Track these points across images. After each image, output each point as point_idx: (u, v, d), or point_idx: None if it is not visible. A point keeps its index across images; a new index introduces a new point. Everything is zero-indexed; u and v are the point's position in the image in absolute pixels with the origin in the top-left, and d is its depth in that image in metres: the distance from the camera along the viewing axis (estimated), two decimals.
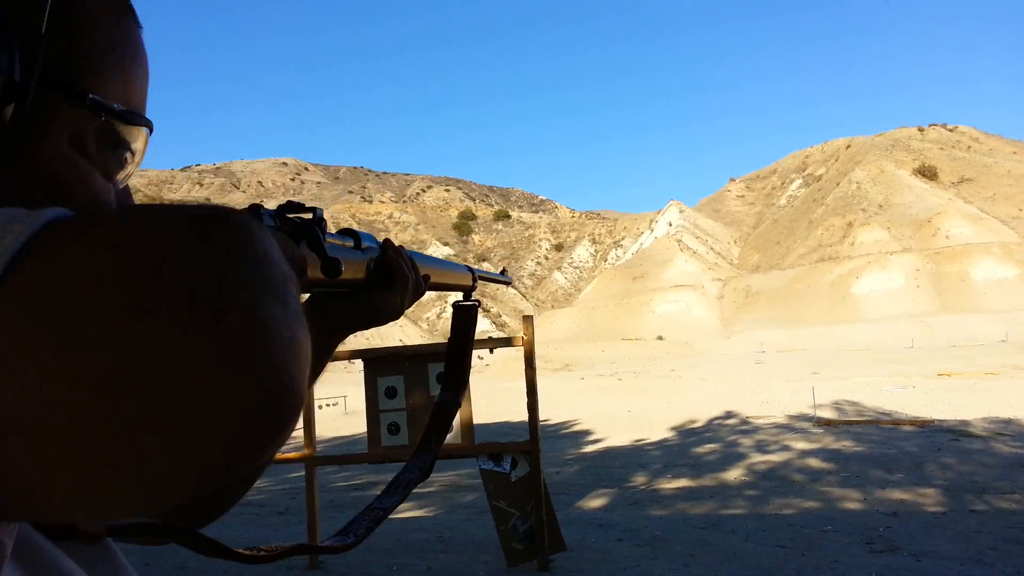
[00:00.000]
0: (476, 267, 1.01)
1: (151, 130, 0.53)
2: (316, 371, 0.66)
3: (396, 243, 0.76)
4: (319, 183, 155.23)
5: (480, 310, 0.94)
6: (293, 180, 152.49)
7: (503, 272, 1.17)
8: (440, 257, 0.87)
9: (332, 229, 0.65)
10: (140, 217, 0.32)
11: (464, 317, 0.92)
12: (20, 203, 0.37)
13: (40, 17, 0.44)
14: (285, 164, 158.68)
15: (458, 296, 0.96)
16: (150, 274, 0.29)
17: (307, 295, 0.68)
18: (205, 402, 0.29)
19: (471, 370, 0.92)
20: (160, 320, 0.29)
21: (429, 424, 0.82)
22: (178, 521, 0.61)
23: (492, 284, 1.00)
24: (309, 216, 0.57)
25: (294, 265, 0.51)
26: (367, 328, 0.73)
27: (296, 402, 0.33)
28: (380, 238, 0.76)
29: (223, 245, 0.32)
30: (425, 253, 0.85)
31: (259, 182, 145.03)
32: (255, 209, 0.50)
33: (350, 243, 0.69)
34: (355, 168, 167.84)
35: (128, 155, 0.52)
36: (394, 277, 0.73)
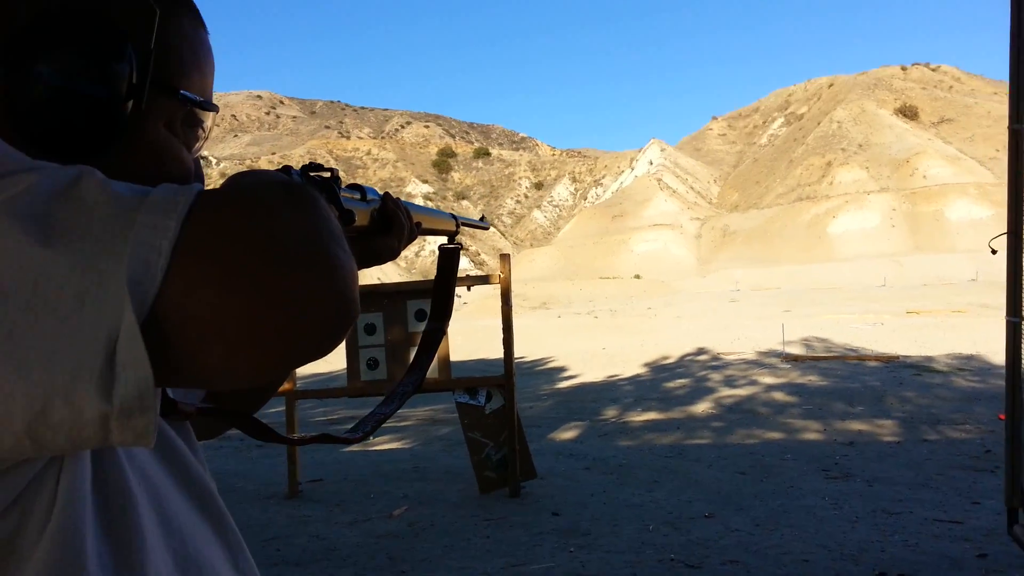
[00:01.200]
0: (456, 214, 1.16)
1: (216, 111, 0.70)
2: None
3: (380, 186, 0.90)
4: (295, 117, 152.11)
5: (461, 251, 1.10)
6: (268, 114, 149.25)
7: (482, 219, 1.32)
8: (421, 198, 1.00)
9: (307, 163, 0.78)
10: (253, 192, 0.50)
11: (448, 258, 1.07)
12: (137, 169, 0.57)
13: (150, 37, 0.60)
14: (260, 97, 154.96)
15: (443, 240, 1.11)
16: (265, 231, 0.47)
17: None
18: (309, 303, 0.47)
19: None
20: (277, 259, 0.46)
21: (419, 348, 0.98)
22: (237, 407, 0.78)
23: (445, 230, 1.14)
24: (328, 175, 0.74)
25: None
26: (369, 267, 0.88)
27: (355, 311, 0.51)
28: (358, 175, 0.90)
29: (306, 209, 0.50)
30: (406, 193, 0.98)
31: (233, 116, 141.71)
32: (286, 170, 0.65)
33: (357, 196, 0.83)
34: (332, 102, 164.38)
35: (202, 132, 0.70)
36: (393, 224, 0.88)
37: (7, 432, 0.43)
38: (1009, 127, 3.26)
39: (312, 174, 0.70)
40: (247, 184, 0.51)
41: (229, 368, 0.47)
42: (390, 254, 0.89)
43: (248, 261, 0.45)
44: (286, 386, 5.79)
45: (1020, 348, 3.27)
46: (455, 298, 1.09)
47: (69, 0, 0.57)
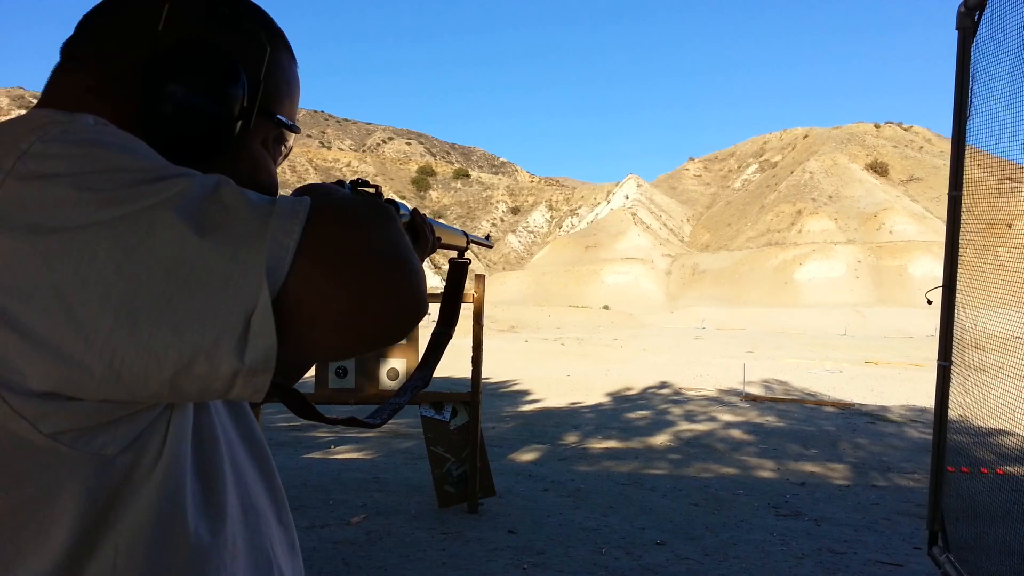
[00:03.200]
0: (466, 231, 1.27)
1: (299, 132, 0.82)
2: None
3: None
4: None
5: (432, 268, 1.21)
6: None
7: (487, 237, 1.42)
8: (436, 222, 1.12)
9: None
10: (352, 209, 0.61)
11: (458, 270, 1.19)
12: (236, 177, 0.67)
13: (260, 68, 0.72)
14: None
15: (453, 253, 1.23)
16: (364, 240, 0.59)
17: None
18: (395, 298, 0.59)
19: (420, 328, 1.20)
20: (372, 262, 0.58)
21: (428, 348, 1.08)
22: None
23: (457, 246, 1.25)
24: (372, 190, 0.88)
25: None
26: None
27: (426, 307, 0.63)
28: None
29: (389, 224, 0.62)
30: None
31: None
32: (340, 183, 0.82)
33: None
34: (315, 112, 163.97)
35: (284, 150, 0.81)
36: (419, 237, 0.98)
37: (155, 379, 0.53)
38: (949, 193, 3.52)
39: (361, 188, 0.84)
40: (345, 203, 0.62)
41: (329, 345, 0.59)
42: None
43: (351, 262, 0.57)
44: None
45: (948, 388, 3.48)
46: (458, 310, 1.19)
47: (199, 33, 0.69)
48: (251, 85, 0.71)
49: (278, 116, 0.75)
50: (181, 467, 0.63)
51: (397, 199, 0.96)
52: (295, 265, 0.55)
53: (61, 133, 0.58)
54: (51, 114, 0.62)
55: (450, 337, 1.13)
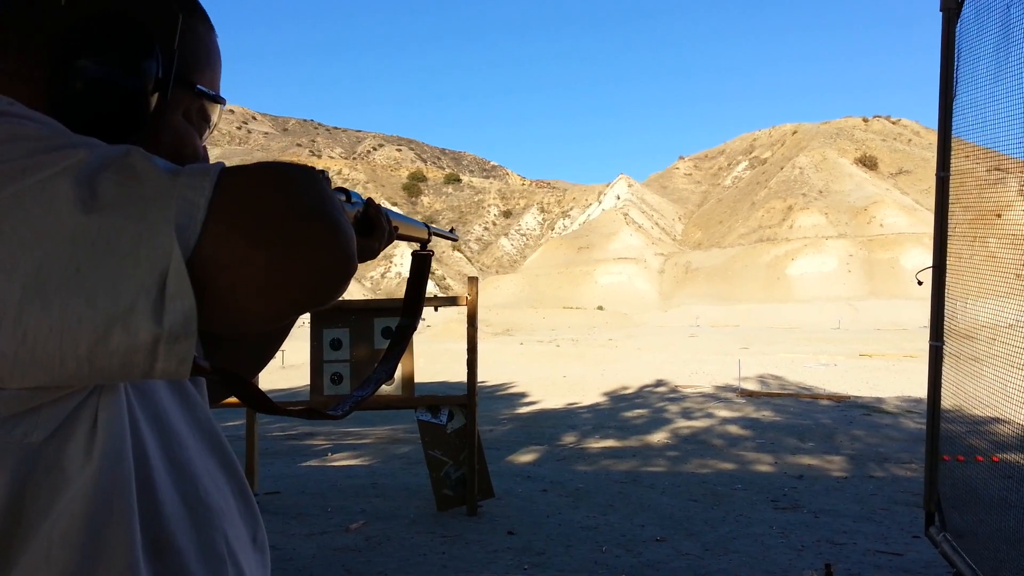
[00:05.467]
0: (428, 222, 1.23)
1: (224, 105, 0.79)
2: None
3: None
4: (267, 133, 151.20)
5: (432, 261, 1.19)
6: (240, 129, 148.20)
7: (451, 230, 1.38)
8: (394, 213, 1.11)
9: None
10: (270, 166, 0.58)
11: (421, 263, 1.16)
12: (158, 152, 0.65)
13: (173, 38, 0.70)
14: (232, 111, 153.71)
15: (416, 246, 1.19)
16: (283, 195, 0.56)
17: None
18: (319, 256, 0.56)
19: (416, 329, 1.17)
20: (292, 218, 0.56)
21: (392, 340, 1.06)
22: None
23: (441, 245, 1.22)
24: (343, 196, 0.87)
25: None
26: None
27: (355, 266, 0.60)
28: None
29: (314, 182, 0.59)
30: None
31: None
32: None
33: (343, 198, 0.90)
34: (305, 121, 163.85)
35: (210, 123, 0.79)
36: (374, 227, 0.96)
37: (72, 356, 0.50)
38: (936, 174, 3.55)
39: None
40: (264, 162, 0.59)
41: (256, 310, 0.56)
42: (370, 255, 0.97)
43: (270, 219, 0.55)
44: None
45: (940, 368, 3.51)
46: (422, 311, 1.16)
47: (106, 6, 0.66)
48: (165, 55, 0.68)
49: (198, 86, 0.73)
50: (123, 459, 0.60)
51: (350, 189, 0.92)
52: (207, 224, 0.53)
53: None
54: None
55: (414, 329, 1.10)
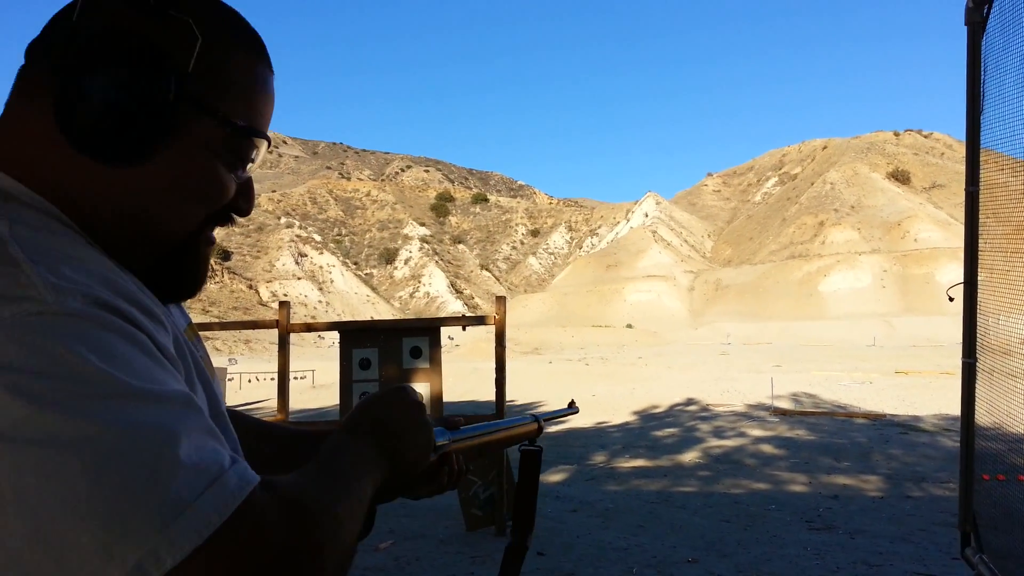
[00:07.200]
0: (538, 413, 1.08)
1: (269, 143, 0.76)
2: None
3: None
4: (297, 157, 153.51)
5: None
6: (270, 152, 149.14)
7: (570, 405, 1.22)
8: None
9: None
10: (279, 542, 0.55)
11: (530, 462, 1.03)
12: (178, 179, 0.67)
13: (189, 60, 0.66)
14: None
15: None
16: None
17: None
18: None
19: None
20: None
21: (503, 564, 0.97)
22: None
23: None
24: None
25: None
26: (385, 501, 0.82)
27: None
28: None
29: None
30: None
31: None
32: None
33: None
34: (334, 144, 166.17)
35: (246, 157, 0.73)
36: (434, 479, 0.86)
37: None
38: (965, 189, 3.51)
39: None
40: (275, 535, 0.54)
41: None
42: (411, 493, 0.86)
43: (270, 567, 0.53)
44: (278, 416, 5.85)
45: (973, 386, 3.44)
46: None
47: (116, 23, 0.64)
48: (178, 77, 0.65)
49: (222, 114, 0.68)
50: None
51: (440, 428, 0.85)
52: None
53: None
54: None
55: (527, 551, 0.99)
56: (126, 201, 0.66)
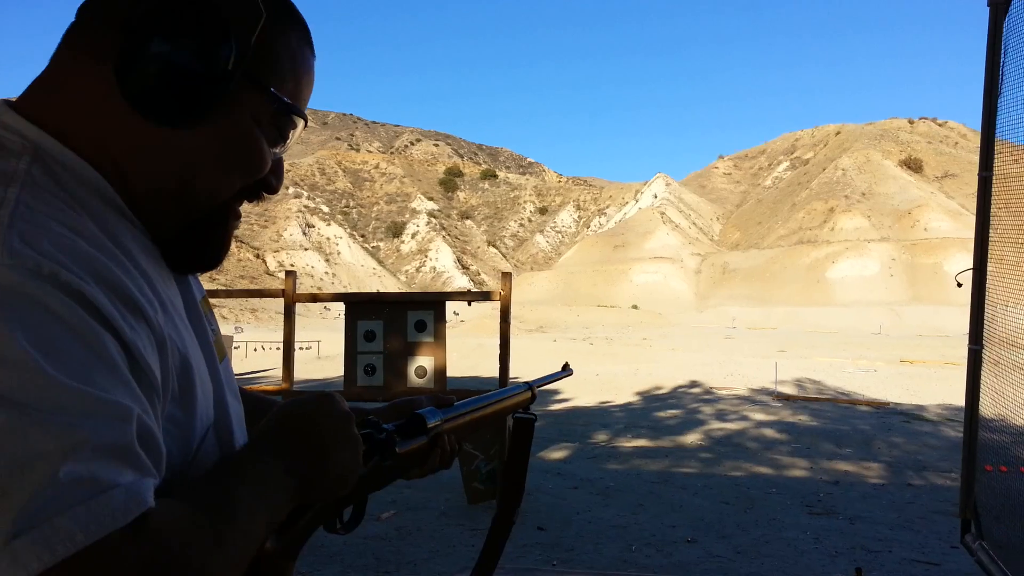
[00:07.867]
0: (532, 380, 1.07)
1: (306, 121, 0.78)
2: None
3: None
4: (306, 127, 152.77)
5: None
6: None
7: (564, 367, 1.21)
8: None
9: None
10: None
11: (522, 431, 1.01)
12: (220, 149, 0.68)
13: (251, 34, 0.68)
14: None
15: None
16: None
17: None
18: None
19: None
20: None
21: (488, 540, 0.98)
22: None
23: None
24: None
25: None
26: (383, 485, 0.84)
27: None
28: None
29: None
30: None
31: None
32: (374, 425, 0.80)
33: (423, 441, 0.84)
34: (344, 115, 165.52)
35: (286, 134, 0.76)
36: (426, 460, 0.86)
37: None
38: (979, 174, 3.47)
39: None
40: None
41: None
42: (404, 476, 0.87)
43: None
44: (283, 386, 5.88)
45: (979, 373, 3.42)
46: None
47: None
48: (240, 48, 0.67)
49: (272, 90, 0.71)
50: None
51: (431, 409, 0.85)
52: None
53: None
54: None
55: (512, 524, 0.99)
56: (170, 163, 0.68)
